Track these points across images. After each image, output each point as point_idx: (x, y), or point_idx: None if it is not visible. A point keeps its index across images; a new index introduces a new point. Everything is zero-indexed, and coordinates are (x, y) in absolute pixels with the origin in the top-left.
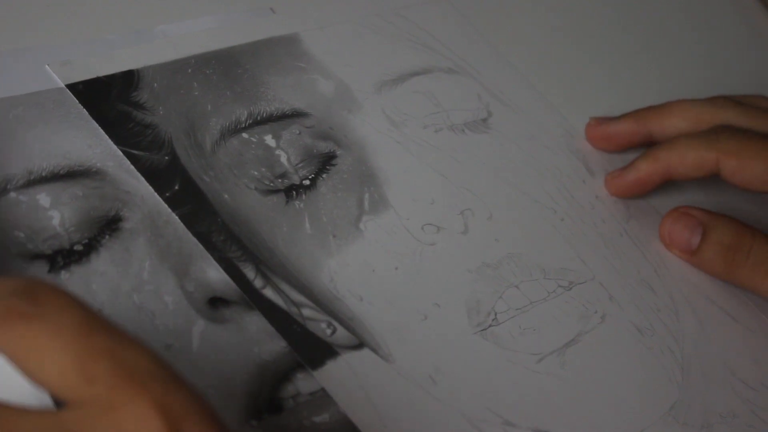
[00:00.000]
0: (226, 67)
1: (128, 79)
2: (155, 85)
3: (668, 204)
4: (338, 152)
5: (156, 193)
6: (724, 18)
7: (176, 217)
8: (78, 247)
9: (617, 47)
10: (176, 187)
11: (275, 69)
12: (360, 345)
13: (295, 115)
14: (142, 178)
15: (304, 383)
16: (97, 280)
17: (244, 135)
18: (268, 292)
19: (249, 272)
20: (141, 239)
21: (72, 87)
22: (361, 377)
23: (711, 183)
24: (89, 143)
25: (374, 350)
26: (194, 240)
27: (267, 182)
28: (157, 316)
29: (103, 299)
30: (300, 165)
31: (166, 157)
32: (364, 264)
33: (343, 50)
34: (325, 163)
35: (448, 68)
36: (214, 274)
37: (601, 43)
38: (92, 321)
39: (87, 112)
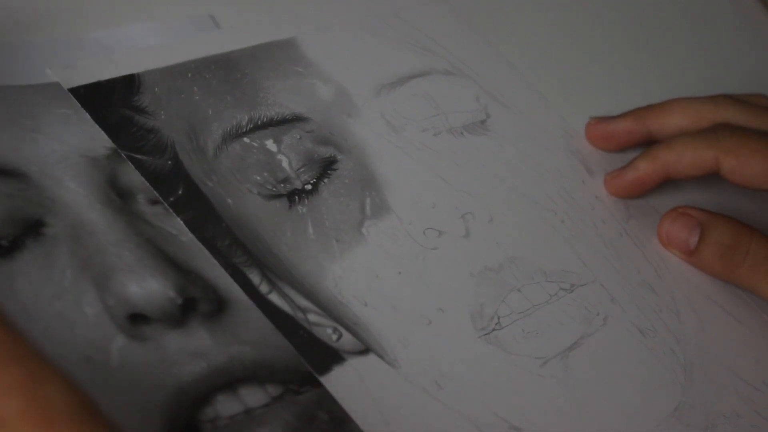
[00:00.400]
0: (225, 71)
1: (129, 84)
2: (156, 89)
3: (668, 204)
4: (339, 157)
5: (82, 204)
6: (724, 18)
7: (100, 229)
8: (4, 243)
9: (617, 47)
10: (180, 192)
11: (274, 73)
12: (366, 350)
13: (296, 119)
14: (67, 187)
15: (224, 406)
16: (20, 280)
17: (246, 140)
18: (274, 298)
19: (254, 277)
20: (63, 247)
21: (74, 90)
22: (368, 383)
23: (711, 182)
24: (14, 146)
25: (380, 356)
26: (116, 252)
27: (269, 187)
28: (78, 327)
29: (25, 300)
30: (301, 170)
31: (169, 162)
32: (368, 269)
33: (341, 54)
34: (326, 167)
35: (446, 70)
36: (135, 290)
37: (601, 43)
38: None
39: (87, 114)
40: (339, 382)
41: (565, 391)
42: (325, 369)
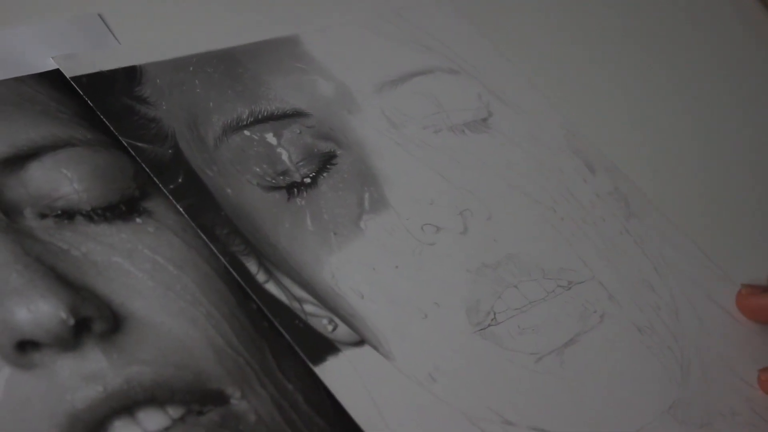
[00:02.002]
0: (227, 66)
1: (131, 75)
2: (158, 81)
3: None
4: (338, 152)
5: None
6: (724, 18)
7: None
8: None
9: (618, 47)
10: (180, 180)
11: (276, 69)
12: (361, 342)
13: (296, 114)
14: None
15: None
16: None
17: (246, 132)
18: (271, 287)
19: (252, 266)
20: None
21: (76, 80)
22: (362, 374)
23: None
24: None
25: (375, 347)
26: (2, 278)
27: (269, 179)
28: None
29: None
30: (301, 163)
31: (170, 151)
32: (365, 262)
33: (343, 51)
34: (326, 162)
35: (449, 68)
36: (24, 315)
37: (602, 42)
38: None
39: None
40: (333, 372)
41: (559, 386)
42: (320, 359)
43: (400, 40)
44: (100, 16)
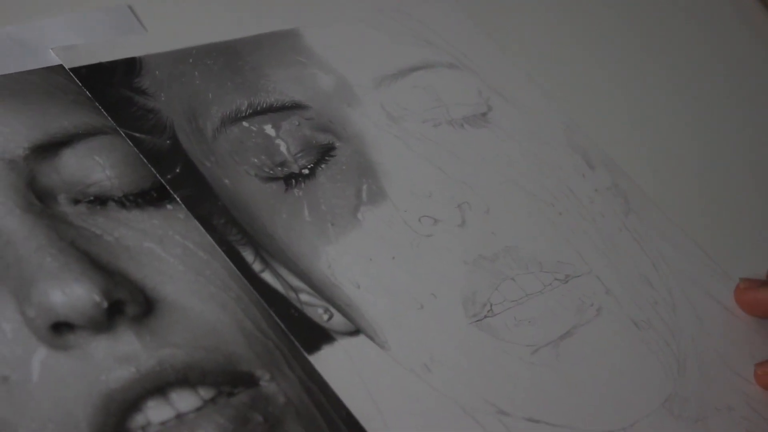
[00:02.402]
0: (227, 58)
1: (131, 66)
2: (157, 72)
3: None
4: (337, 144)
5: None
6: (724, 18)
7: (19, 236)
8: None
9: (618, 46)
10: (177, 170)
11: (276, 62)
12: (356, 331)
13: (295, 107)
14: None
15: (155, 412)
16: None
17: (245, 123)
18: (267, 276)
19: (248, 256)
20: None
21: (75, 71)
22: (357, 363)
23: None
24: None
25: (370, 337)
26: (37, 260)
27: (267, 169)
28: None
29: None
30: (299, 155)
31: (168, 141)
32: (362, 252)
33: (343, 46)
34: (324, 153)
35: (450, 63)
36: (59, 297)
37: (602, 40)
38: None
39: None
40: (328, 361)
41: (555, 378)
42: (315, 348)
43: (400, 35)
44: (129, 7)
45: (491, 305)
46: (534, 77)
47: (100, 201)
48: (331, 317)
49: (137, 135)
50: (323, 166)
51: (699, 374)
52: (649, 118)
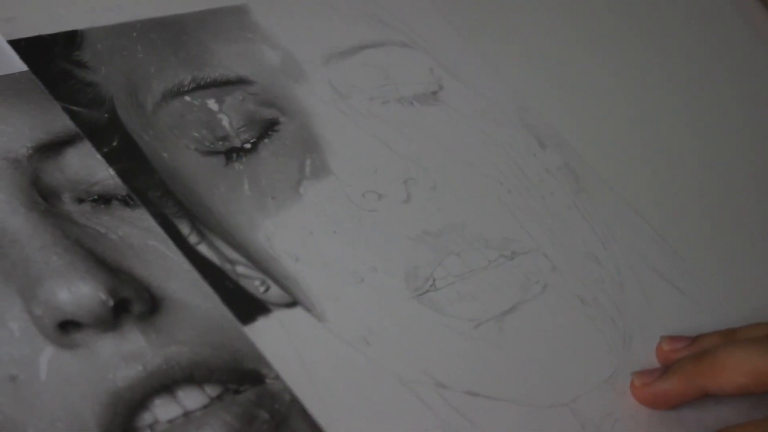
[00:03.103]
0: (172, 33)
1: (71, 39)
2: (99, 45)
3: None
4: (281, 119)
5: (4, 210)
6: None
7: (24, 235)
8: None
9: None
10: (114, 144)
11: (222, 38)
12: (293, 303)
13: (240, 82)
14: None
15: (162, 410)
16: None
17: (187, 98)
18: (203, 248)
19: (184, 228)
20: None
21: (14, 43)
22: (292, 334)
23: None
24: None
25: (307, 309)
26: (43, 259)
27: (207, 143)
28: (1, 345)
29: None
30: (242, 129)
31: (106, 115)
32: (302, 226)
33: (292, 22)
34: (268, 128)
35: (402, 42)
36: (65, 296)
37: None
38: None
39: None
40: (262, 332)
41: (497, 353)
42: (250, 319)
43: (352, 12)
44: None
45: (434, 280)
46: (488, 57)
47: (104, 200)
48: (267, 289)
49: (74, 108)
50: (266, 140)
51: (644, 351)
52: (604, 101)
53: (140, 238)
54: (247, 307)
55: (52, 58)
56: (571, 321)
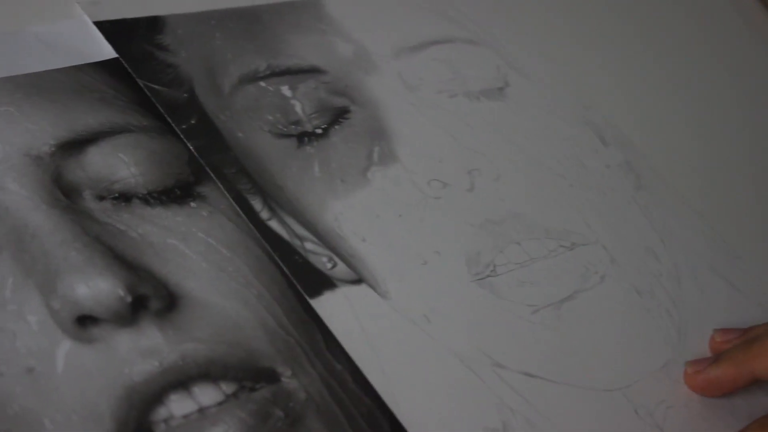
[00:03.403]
0: (249, 23)
1: (153, 24)
2: (179, 31)
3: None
4: (352, 108)
5: (26, 206)
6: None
7: (45, 231)
8: None
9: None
10: (192, 122)
11: (297, 29)
12: (359, 280)
13: (313, 71)
14: (8, 190)
15: (177, 405)
16: None
17: (262, 83)
18: (274, 224)
19: (257, 204)
20: (4, 254)
21: (99, 24)
22: (357, 309)
23: None
24: None
25: (372, 286)
26: (62, 254)
27: (280, 127)
28: (19, 337)
29: None
30: (313, 115)
31: (185, 95)
32: (370, 209)
33: (365, 16)
34: (338, 116)
35: (470, 39)
36: (83, 291)
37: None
38: None
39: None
40: (329, 305)
41: (553, 337)
42: (316, 293)
43: (423, 8)
44: None
45: (495, 266)
46: (554, 56)
47: (124, 198)
48: (334, 266)
49: (156, 87)
50: (336, 127)
51: (699, 344)
52: (667, 102)
53: (160, 237)
54: (314, 281)
55: (135, 39)
56: (628, 311)
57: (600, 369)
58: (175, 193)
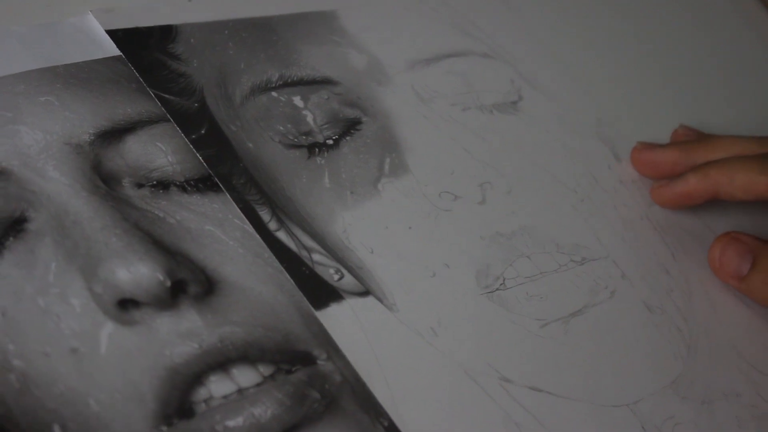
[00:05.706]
0: (262, 32)
1: (166, 33)
2: (192, 40)
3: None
4: (364, 119)
5: (67, 193)
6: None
7: (85, 217)
8: None
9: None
10: (202, 131)
11: (311, 40)
12: (366, 292)
13: (325, 81)
14: (50, 178)
15: (217, 386)
16: None
17: (273, 94)
18: (281, 235)
19: (265, 215)
20: (47, 240)
21: (111, 33)
22: (363, 321)
23: (758, 207)
24: None
25: (379, 299)
26: (103, 239)
27: (291, 137)
28: (63, 320)
29: (5, 303)
30: (325, 126)
31: (196, 104)
32: (379, 220)
33: (379, 28)
34: (350, 127)
35: (484, 53)
36: (124, 275)
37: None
38: None
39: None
40: (334, 317)
41: (562, 352)
42: (323, 304)
43: (436, 21)
44: None
45: (504, 279)
46: (568, 69)
47: (162, 185)
48: (341, 278)
49: (166, 96)
50: (348, 138)
51: (708, 359)
52: (680, 117)
53: (197, 223)
54: (321, 292)
55: (146, 48)
56: (637, 326)
57: (608, 384)
58: (212, 180)
